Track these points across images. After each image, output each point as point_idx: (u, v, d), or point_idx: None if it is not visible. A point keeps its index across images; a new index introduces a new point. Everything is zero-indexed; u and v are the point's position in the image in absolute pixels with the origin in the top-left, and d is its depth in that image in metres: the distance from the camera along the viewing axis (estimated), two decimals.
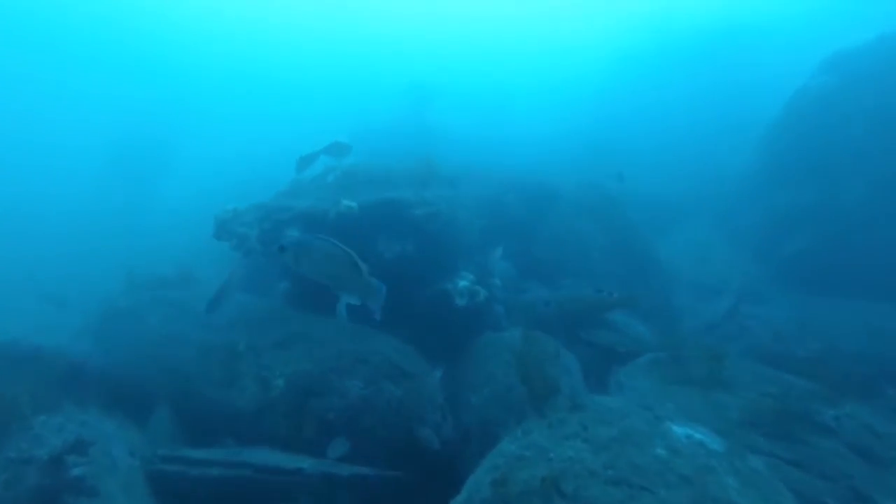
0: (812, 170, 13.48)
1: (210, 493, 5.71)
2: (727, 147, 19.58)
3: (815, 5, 29.95)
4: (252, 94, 43.22)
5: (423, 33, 45.64)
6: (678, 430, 4.93)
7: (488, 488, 4.29)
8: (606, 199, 12.47)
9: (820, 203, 13.32)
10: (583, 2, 41.19)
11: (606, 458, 4.38)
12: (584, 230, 12.02)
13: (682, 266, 12.98)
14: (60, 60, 42.40)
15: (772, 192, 14.35)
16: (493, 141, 20.53)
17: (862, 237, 12.70)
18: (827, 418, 6.13)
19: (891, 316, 11.03)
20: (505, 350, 7.98)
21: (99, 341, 9.19)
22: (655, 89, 24.74)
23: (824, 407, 6.28)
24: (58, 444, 5.46)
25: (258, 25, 48.26)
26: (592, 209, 12.30)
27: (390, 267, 8.42)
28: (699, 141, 20.62)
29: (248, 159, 25.80)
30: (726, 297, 11.94)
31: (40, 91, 40.56)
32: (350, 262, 4.77)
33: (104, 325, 9.62)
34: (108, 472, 5.49)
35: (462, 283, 8.31)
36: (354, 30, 47.12)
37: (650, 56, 27.53)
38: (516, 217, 13.01)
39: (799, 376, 7.10)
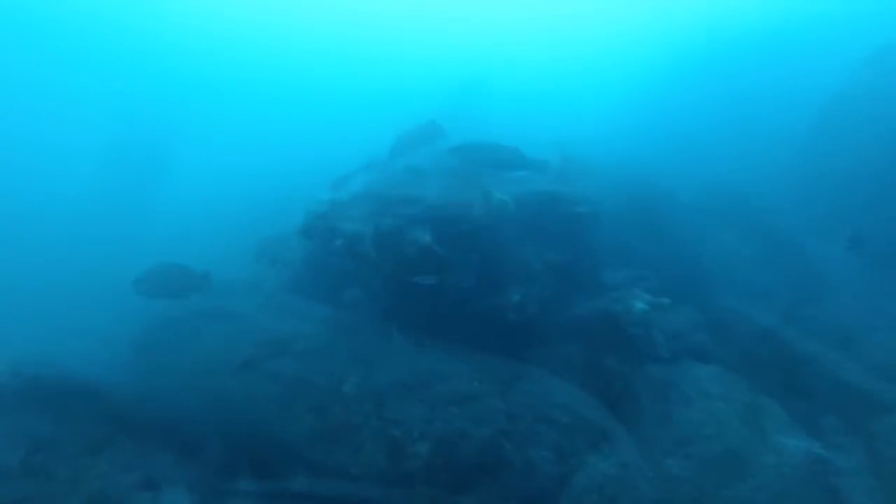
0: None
1: None
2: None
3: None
4: (263, 98, 41.05)
5: (466, 28, 43.49)
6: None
7: None
8: (747, 207, 10.42)
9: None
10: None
11: None
12: (726, 243, 9.98)
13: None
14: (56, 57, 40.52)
15: None
16: (561, 139, 18.64)
17: None
18: None
19: None
20: (699, 394, 5.97)
21: (143, 369, 7.24)
22: (712, 88, 22.73)
23: None
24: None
25: (267, 28, 46.03)
26: (730, 217, 10.28)
27: (540, 278, 6.42)
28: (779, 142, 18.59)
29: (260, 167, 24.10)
30: None
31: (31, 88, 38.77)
32: None
33: (148, 346, 7.67)
34: None
35: (639, 306, 6.26)
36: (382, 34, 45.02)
37: (703, 55, 25.45)
38: (632, 220, 10.98)
39: None
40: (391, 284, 7.35)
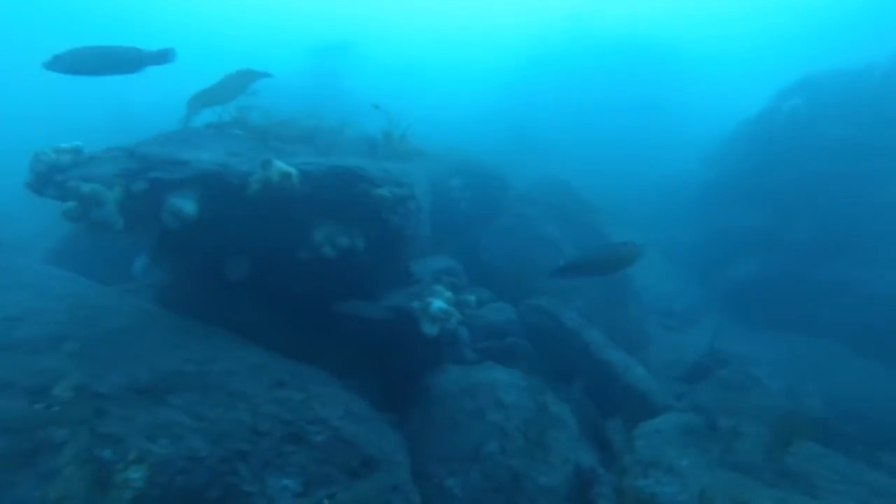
0: (769, 194, 12.62)
1: None
2: (648, 158, 18.92)
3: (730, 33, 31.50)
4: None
5: None
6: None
7: None
8: (575, 202, 10.45)
9: (771, 230, 12.49)
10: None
11: None
12: (547, 234, 9.88)
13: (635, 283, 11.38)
14: None
15: (722, 211, 13.38)
16: (416, 114, 18.01)
17: (809, 271, 12.01)
18: None
19: (847, 361, 10.32)
20: (492, 403, 5.61)
21: None
22: (576, 92, 23.67)
23: None
24: None
25: None
26: (557, 210, 10.20)
27: (327, 269, 5.63)
28: (624, 148, 19.74)
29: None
30: (696, 328, 10.55)
31: None
32: None
33: None
34: None
35: (437, 304, 5.72)
36: None
37: (570, 60, 26.41)
38: (461, 208, 10.61)
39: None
40: (161, 259, 6.17)
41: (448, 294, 5.84)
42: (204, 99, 7.03)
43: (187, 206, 4.78)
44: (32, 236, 10.00)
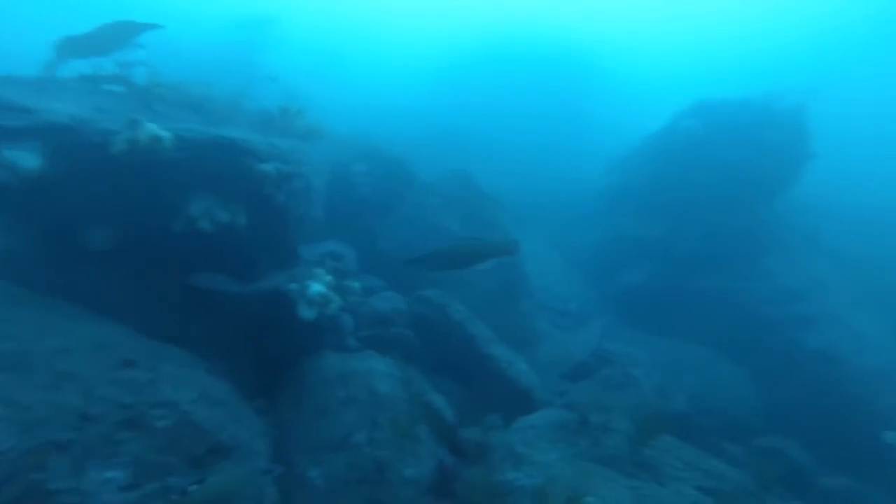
0: (662, 206, 13.36)
1: None
2: (561, 163, 19.51)
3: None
4: None
5: None
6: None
7: None
8: (478, 196, 10.46)
9: (662, 240, 13.23)
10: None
11: None
12: (446, 226, 9.84)
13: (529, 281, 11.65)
14: None
15: (621, 219, 14.01)
16: (337, 100, 17.52)
17: (689, 281, 12.85)
18: None
19: (713, 363, 11.14)
20: (365, 392, 5.46)
21: None
22: (500, 94, 24.03)
23: None
24: None
25: None
26: (459, 203, 10.18)
27: (202, 245, 5.25)
28: (540, 152, 20.22)
29: None
30: (586, 329, 10.93)
31: None
32: None
33: None
34: None
35: (315, 287, 5.48)
36: None
37: (497, 63, 26.75)
38: (363, 195, 10.36)
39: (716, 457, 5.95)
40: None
41: (329, 278, 5.62)
42: (74, 46, 6.36)
43: (28, 159, 4.24)
44: None
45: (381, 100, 21.99)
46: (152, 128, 4.48)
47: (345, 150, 10.54)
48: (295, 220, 6.16)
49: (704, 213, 12.97)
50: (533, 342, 9.07)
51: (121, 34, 6.65)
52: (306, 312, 5.42)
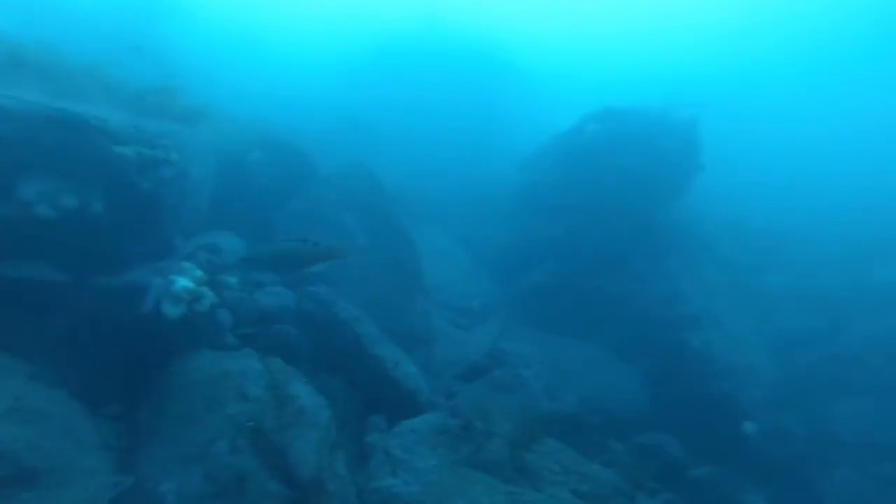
0: (567, 206, 13.72)
1: None
2: (474, 159, 19.64)
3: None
4: None
5: None
6: None
7: None
8: (376, 191, 10.24)
9: (565, 240, 13.60)
10: None
11: None
12: (341, 221, 9.58)
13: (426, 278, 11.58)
14: None
15: (528, 218, 14.30)
16: (239, 79, 16.58)
17: (588, 282, 13.30)
18: None
19: (605, 363, 11.58)
20: (234, 395, 5.14)
21: None
22: (414, 88, 23.82)
23: None
24: None
25: None
26: (356, 198, 9.92)
27: (47, 232, 4.73)
28: (453, 148, 20.24)
29: None
30: (485, 327, 11.01)
31: None
32: None
33: None
34: None
35: (181, 282, 5.09)
36: None
37: (413, 57, 26.50)
38: (259, 185, 9.88)
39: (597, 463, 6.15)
40: None
41: (198, 273, 5.25)
42: None
43: None
44: None
45: (293, 87, 21.16)
46: None
47: (242, 137, 9.99)
48: (169, 210, 5.71)
49: (607, 215, 13.48)
50: (429, 341, 8.99)
51: None
52: (171, 309, 5.03)
